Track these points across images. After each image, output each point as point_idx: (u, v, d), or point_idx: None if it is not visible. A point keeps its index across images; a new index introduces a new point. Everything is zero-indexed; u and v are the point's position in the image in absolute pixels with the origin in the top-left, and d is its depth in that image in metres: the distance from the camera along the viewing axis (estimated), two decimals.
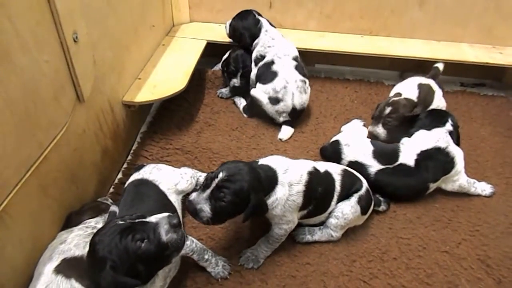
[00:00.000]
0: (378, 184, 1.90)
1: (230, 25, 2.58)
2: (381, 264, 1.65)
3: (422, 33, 2.82)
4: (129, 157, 2.11)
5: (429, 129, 1.99)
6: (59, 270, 1.30)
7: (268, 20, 2.55)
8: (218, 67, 2.78)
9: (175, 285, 1.49)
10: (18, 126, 1.23)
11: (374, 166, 1.91)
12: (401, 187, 1.90)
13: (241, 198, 1.38)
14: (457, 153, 1.93)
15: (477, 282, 1.61)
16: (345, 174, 1.74)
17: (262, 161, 1.57)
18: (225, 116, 2.41)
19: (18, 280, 1.29)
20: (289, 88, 2.28)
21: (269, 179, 1.49)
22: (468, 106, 2.70)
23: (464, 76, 3.00)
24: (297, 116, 2.35)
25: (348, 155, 1.98)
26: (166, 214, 1.28)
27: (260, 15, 2.56)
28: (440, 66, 2.56)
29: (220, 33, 2.72)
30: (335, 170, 1.73)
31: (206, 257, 1.53)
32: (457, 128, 2.04)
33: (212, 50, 2.72)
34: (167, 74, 2.25)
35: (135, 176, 1.67)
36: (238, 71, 2.50)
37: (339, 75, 2.91)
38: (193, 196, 1.40)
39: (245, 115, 2.44)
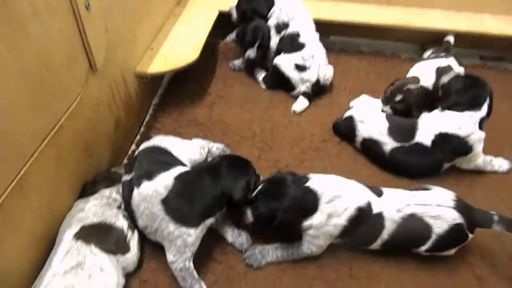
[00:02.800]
0: (392, 162, 1.87)
1: (238, 9, 2.48)
2: None
3: (442, 2, 2.71)
4: (142, 129, 2.11)
5: (460, 110, 1.82)
6: (79, 236, 1.34)
7: None
8: (231, 37, 2.71)
9: None
10: (33, 95, 1.23)
11: (389, 144, 1.87)
12: (415, 166, 1.87)
13: (270, 215, 1.44)
14: (478, 140, 1.83)
15: (491, 256, 1.60)
16: (408, 224, 1.48)
17: (312, 181, 1.48)
18: (238, 89, 2.38)
19: (38, 247, 1.33)
20: (316, 59, 2.28)
21: (309, 205, 1.45)
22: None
23: (484, 49, 2.89)
24: (317, 91, 2.32)
25: (363, 132, 1.94)
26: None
27: None
28: (451, 39, 2.48)
29: (233, 2, 2.64)
30: (394, 214, 1.49)
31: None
32: (491, 101, 1.88)
33: (224, 21, 2.65)
34: (179, 46, 2.21)
35: (146, 144, 1.69)
36: (256, 42, 2.39)
37: (354, 48, 2.83)
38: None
39: (263, 86, 2.41)
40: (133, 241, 1.49)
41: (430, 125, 1.86)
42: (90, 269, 1.27)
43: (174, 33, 2.32)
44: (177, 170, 1.51)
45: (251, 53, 2.41)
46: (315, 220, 1.44)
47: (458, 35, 2.56)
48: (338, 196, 1.45)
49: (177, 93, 2.31)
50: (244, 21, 2.51)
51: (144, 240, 1.55)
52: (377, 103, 2.15)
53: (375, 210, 1.48)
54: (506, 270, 1.56)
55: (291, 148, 2.01)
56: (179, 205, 1.42)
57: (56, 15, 1.29)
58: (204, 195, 1.44)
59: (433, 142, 1.83)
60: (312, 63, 2.27)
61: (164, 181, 1.46)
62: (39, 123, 1.28)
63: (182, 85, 2.37)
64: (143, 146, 1.70)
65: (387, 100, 2.14)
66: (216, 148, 1.90)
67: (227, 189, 1.46)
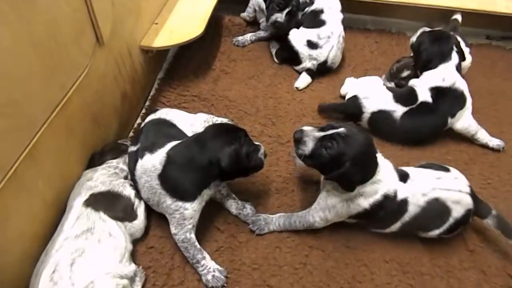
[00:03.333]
0: (403, 127, 1.92)
1: None
2: None
3: None
4: (147, 103, 2.15)
5: (435, 67, 1.94)
6: (88, 203, 1.40)
7: None
8: (248, 12, 2.63)
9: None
10: (43, 67, 1.26)
11: (399, 110, 1.92)
12: (425, 126, 1.94)
13: (339, 160, 1.36)
14: (465, 86, 1.94)
15: (484, 231, 1.66)
16: (430, 208, 1.49)
17: (382, 158, 1.48)
18: (242, 65, 2.40)
19: (49, 212, 1.40)
20: (332, 40, 2.28)
21: (372, 175, 1.42)
22: (492, 60, 2.61)
23: (492, 28, 2.86)
24: (322, 71, 2.33)
25: (370, 107, 1.96)
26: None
27: None
28: (459, 17, 2.45)
29: None
30: (419, 199, 1.49)
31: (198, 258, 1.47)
32: (459, 45, 2.00)
33: None
34: (184, 20, 2.22)
35: (152, 117, 1.73)
36: (287, 7, 2.30)
37: (360, 25, 2.81)
38: (307, 128, 1.45)
39: (276, 60, 2.42)
40: (140, 209, 1.55)
41: (423, 83, 1.95)
42: (99, 234, 1.34)
43: (179, 8, 2.32)
44: (170, 144, 1.51)
45: (279, 16, 2.31)
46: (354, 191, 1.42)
47: (465, 14, 2.53)
48: (379, 180, 1.44)
49: (182, 68, 2.33)
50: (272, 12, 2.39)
51: (150, 209, 1.61)
52: (373, 79, 2.17)
53: (400, 196, 1.47)
54: (497, 244, 1.62)
55: (293, 124, 2.04)
56: (173, 180, 1.45)
57: None
58: (193, 167, 1.43)
59: (432, 97, 1.91)
60: (326, 43, 2.26)
61: (159, 156, 1.49)
62: (49, 94, 1.32)
63: (187, 60, 2.39)
64: (149, 118, 1.74)
65: (392, 76, 2.17)
66: (220, 121, 1.94)
67: (214, 158, 1.41)
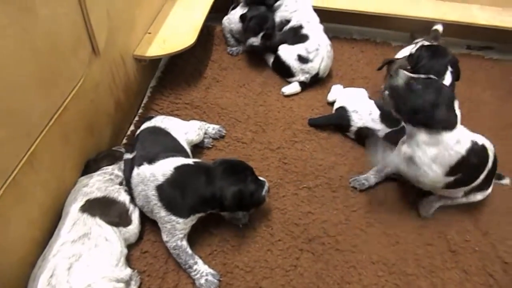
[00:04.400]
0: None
1: (243, 16, 2.45)
2: (378, 215, 1.78)
3: None
4: (140, 110, 2.19)
5: None
6: (84, 209, 1.43)
7: None
8: (230, 44, 2.65)
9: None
10: (42, 77, 1.30)
11: (383, 130, 1.95)
12: None
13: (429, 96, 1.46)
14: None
15: (464, 233, 1.74)
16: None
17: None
18: (233, 73, 2.46)
19: (46, 218, 1.42)
20: (321, 51, 2.33)
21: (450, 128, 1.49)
22: (472, 69, 2.72)
23: (471, 39, 3.00)
24: (314, 81, 2.39)
25: (357, 121, 2.01)
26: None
27: None
28: (439, 27, 2.55)
29: None
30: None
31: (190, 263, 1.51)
32: (457, 66, 2.00)
33: (221, 5, 2.69)
34: (176, 29, 2.27)
35: (147, 124, 1.78)
36: (261, 31, 2.37)
37: (346, 35, 2.91)
38: (402, 72, 1.52)
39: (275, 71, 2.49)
40: (135, 214, 1.59)
41: None
42: (96, 239, 1.37)
43: (172, 17, 2.38)
44: (179, 161, 1.54)
45: (254, 40, 2.39)
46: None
47: (447, 25, 2.65)
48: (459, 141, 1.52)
49: (174, 76, 2.38)
50: (252, 4, 2.49)
51: (144, 214, 1.63)
52: (361, 92, 2.20)
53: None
54: (477, 245, 1.70)
55: (283, 131, 2.11)
56: (172, 195, 1.48)
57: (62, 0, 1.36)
58: (196, 193, 1.47)
59: None
60: (316, 56, 2.32)
61: (163, 168, 1.51)
62: (47, 103, 1.36)
63: (179, 68, 2.44)
64: (145, 125, 1.78)
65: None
66: (213, 128, 2.00)
67: (218, 194, 1.45)
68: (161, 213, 1.49)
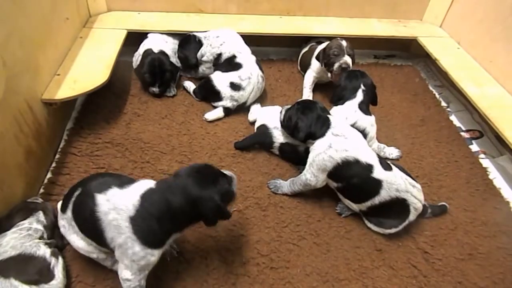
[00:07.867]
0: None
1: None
2: (307, 227, 1.84)
3: (335, 10, 3.03)
4: (57, 156, 2.08)
5: (342, 103, 2.11)
6: None
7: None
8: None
9: None
10: None
11: (302, 145, 1.99)
12: None
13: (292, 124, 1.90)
14: (367, 123, 2.06)
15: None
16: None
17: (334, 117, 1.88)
18: (153, 105, 2.44)
19: None
20: (252, 81, 2.38)
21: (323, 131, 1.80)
22: (381, 76, 2.97)
23: (376, 49, 3.28)
24: (237, 107, 2.43)
25: (279, 137, 2.08)
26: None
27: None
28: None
29: (141, 22, 2.69)
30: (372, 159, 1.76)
31: None
32: (372, 89, 2.14)
33: (135, 39, 2.68)
34: (88, 68, 2.22)
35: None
36: (156, 82, 2.44)
37: (263, 56, 3.03)
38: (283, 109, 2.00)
39: (196, 98, 2.51)
40: (58, 267, 1.49)
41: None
42: None
43: (82, 56, 2.32)
44: (143, 186, 1.40)
45: (155, 90, 2.46)
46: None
47: (354, 38, 2.86)
48: (346, 136, 1.78)
49: (91, 115, 2.31)
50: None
51: (70, 264, 1.56)
52: (278, 109, 2.21)
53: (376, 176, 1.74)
54: (400, 241, 1.82)
55: (209, 157, 2.12)
56: (147, 226, 1.33)
57: None
58: (173, 216, 1.35)
59: None
60: (248, 85, 2.37)
61: (131, 197, 1.37)
62: None
63: (97, 106, 2.37)
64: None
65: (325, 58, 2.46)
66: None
67: (197, 208, 1.35)
68: (135, 249, 1.33)
